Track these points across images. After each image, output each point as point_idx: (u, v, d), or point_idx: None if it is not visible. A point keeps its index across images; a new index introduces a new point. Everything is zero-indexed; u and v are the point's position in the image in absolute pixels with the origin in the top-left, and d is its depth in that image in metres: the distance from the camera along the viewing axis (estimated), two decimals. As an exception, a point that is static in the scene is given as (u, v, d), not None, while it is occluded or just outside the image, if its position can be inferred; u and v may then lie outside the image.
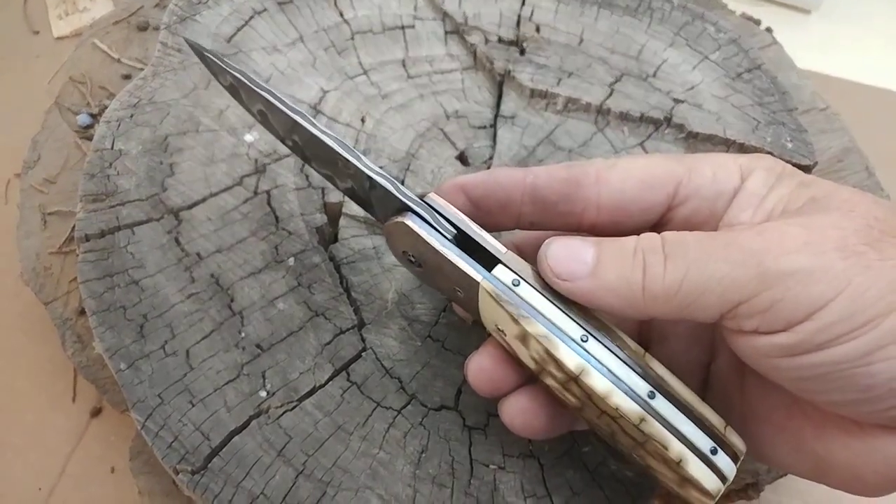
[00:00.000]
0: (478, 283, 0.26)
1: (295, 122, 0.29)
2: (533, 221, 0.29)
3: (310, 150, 0.31)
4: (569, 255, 0.25)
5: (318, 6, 0.44)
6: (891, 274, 0.21)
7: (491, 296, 0.26)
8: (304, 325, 0.34)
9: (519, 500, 0.32)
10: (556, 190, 0.28)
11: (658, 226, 0.29)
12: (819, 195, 0.24)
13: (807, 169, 0.43)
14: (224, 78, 0.32)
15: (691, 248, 0.23)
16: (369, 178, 0.29)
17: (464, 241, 0.27)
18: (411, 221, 0.27)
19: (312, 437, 0.31)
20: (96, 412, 0.44)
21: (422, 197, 0.28)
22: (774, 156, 0.41)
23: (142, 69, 0.49)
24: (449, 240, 0.27)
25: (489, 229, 0.31)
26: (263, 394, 0.32)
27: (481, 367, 0.28)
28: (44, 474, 0.42)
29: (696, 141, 0.42)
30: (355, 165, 0.29)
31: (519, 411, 0.28)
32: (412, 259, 0.29)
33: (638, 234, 0.30)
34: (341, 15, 0.44)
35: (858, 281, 0.21)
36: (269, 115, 0.31)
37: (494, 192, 0.29)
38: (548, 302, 0.26)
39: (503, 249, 0.27)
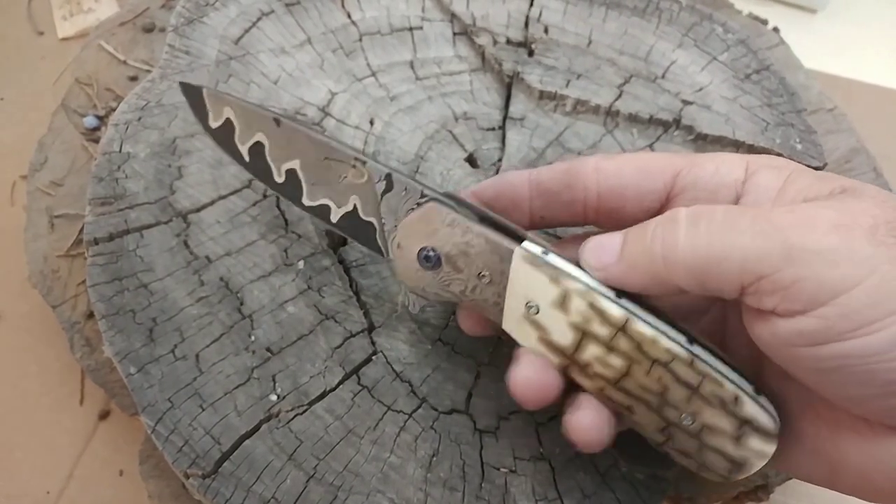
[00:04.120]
0: (511, 252, 0.26)
1: (308, 134, 0.31)
2: (543, 216, 0.31)
3: (311, 174, 0.31)
4: (599, 245, 0.26)
5: (325, 8, 0.44)
6: None
7: (527, 261, 0.26)
8: (314, 328, 0.34)
9: (530, 503, 0.32)
10: (559, 180, 0.30)
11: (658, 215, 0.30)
12: (848, 186, 0.24)
13: (816, 170, 0.43)
14: (216, 115, 0.32)
15: (717, 216, 0.23)
16: (388, 174, 0.29)
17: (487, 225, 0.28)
18: (440, 206, 0.28)
19: (323, 440, 0.31)
20: (104, 415, 0.44)
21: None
22: (784, 157, 0.41)
23: (148, 71, 0.48)
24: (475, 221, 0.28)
25: None
26: (274, 397, 0.32)
27: (527, 378, 0.27)
28: (52, 477, 0.42)
29: (705, 143, 0.42)
30: (374, 164, 0.30)
31: (591, 426, 0.27)
32: (430, 255, 0.28)
33: (636, 223, 0.31)
34: (349, 16, 0.44)
35: (885, 269, 0.21)
36: (267, 144, 0.31)
37: (505, 191, 0.30)
38: (577, 267, 0.26)
39: (525, 231, 0.28)
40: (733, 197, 0.27)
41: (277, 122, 0.31)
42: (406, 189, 0.29)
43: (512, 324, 0.28)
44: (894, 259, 0.21)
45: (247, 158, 0.32)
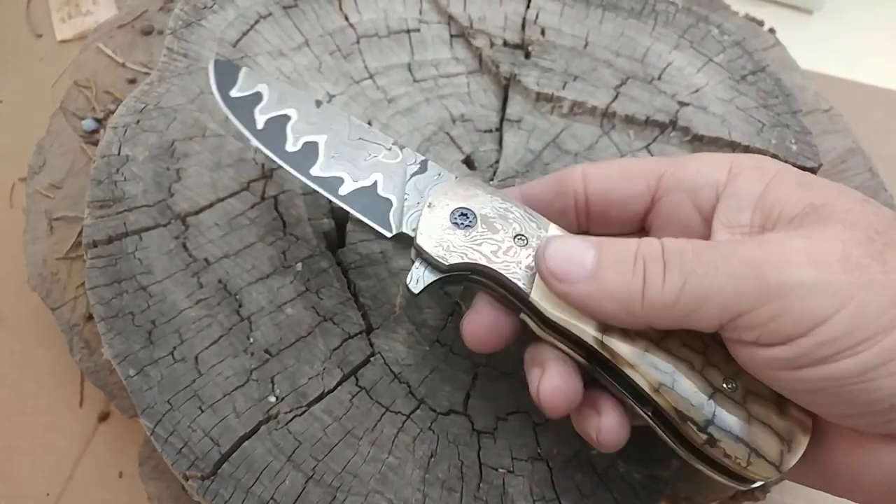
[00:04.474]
0: (549, 224, 0.29)
1: (349, 116, 0.33)
2: None
3: (335, 149, 0.32)
4: (568, 255, 0.25)
5: (323, 10, 0.44)
6: (894, 288, 0.21)
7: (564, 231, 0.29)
8: (312, 330, 0.34)
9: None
10: (550, 190, 0.30)
11: (645, 219, 0.30)
12: (819, 202, 0.24)
13: (811, 171, 0.43)
14: (245, 87, 0.33)
15: (690, 257, 0.23)
16: (424, 160, 0.32)
17: None
18: (478, 179, 0.30)
19: (322, 442, 0.32)
20: (104, 417, 0.44)
21: None
22: (780, 158, 0.42)
23: (147, 74, 0.49)
24: None
25: None
26: (272, 399, 0.32)
27: (556, 388, 0.26)
28: (52, 479, 0.42)
29: (701, 144, 0.42)
30: (411, 150, 0.32)
31: (617, 426, 0.27)
32: (467, 212, 0.29)
33: (626, 227, 0.31)
34: (346, 19, 0.44)
35: (861, 296, 0.21)
36: (294, 118, 0.33)
37: None
38: None
39: None
40: (714, 197, 0.27)
41: (318, 104, 0.33)
42: (440, 174, 0.31)
43: (545, 289, 0.27)
44: (870, 283, 0.21)
45: (260, 126, 0.32)
